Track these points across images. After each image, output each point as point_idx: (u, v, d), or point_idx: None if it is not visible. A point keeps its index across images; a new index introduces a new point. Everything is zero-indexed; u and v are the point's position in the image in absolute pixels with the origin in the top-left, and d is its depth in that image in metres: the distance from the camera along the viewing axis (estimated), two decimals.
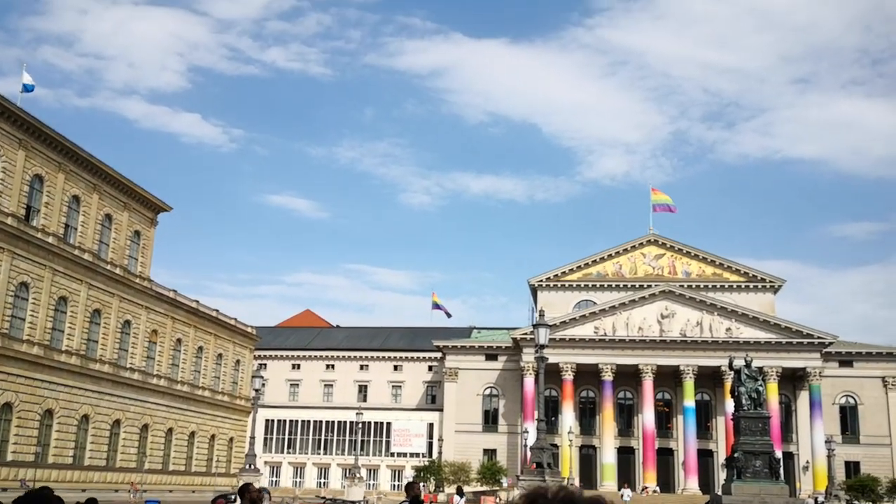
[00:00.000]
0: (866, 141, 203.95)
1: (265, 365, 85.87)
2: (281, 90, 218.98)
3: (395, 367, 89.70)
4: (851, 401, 74.78)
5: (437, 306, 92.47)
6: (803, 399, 72.88)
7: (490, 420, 78.61)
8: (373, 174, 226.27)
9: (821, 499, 58.59)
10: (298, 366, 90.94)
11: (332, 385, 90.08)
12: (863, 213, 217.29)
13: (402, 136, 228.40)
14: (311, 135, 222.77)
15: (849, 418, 74.72)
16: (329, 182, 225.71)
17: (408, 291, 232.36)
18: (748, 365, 51.55)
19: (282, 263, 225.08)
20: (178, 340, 68.11)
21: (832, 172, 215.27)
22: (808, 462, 70.90)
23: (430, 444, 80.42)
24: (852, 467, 71.70)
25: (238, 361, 78.43)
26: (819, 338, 70.66)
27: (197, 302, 71.07)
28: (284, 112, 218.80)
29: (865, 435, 73.64)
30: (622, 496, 53.96)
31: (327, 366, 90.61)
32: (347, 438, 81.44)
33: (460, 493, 32.23)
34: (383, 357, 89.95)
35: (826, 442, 62.35)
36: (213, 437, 72.73)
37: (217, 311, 74.41)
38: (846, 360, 74.64)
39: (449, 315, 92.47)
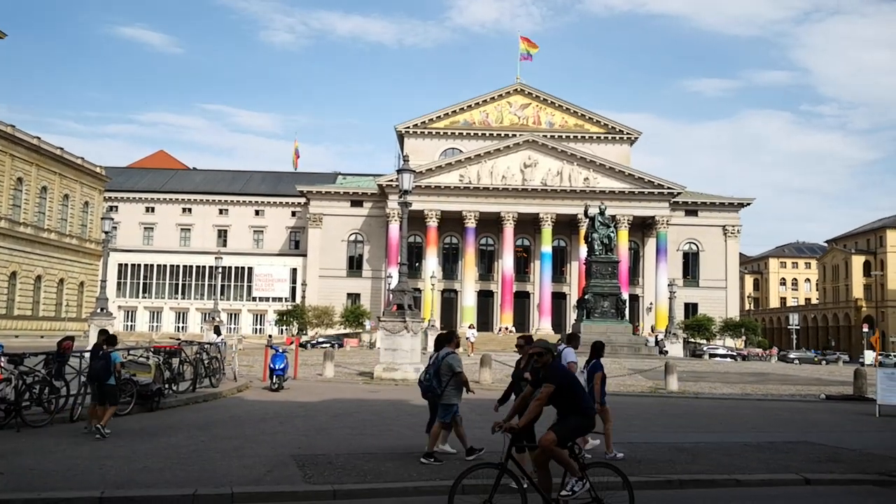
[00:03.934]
0: None
1: (116, 207, 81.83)
2: None
3: (257, 212, 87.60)
4: (694, 247, 79.79)
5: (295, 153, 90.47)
6: (651, 245, 77.02)
7: (354, 265, 78.98)
8: (231, 8, 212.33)
9: (661, 336, 63.12)
10: (153, 209, 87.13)
11: (189, 229, 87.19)
12: (715, 69, 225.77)
13: None
14: None
15: (690, 264, 79.94)
16: (183, 15, 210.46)
17: (270, 135, 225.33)
18: (602, 213, 53.61)
19: (133, 101, 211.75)
20: (19, 179, 63.18)
21: (691, 28, 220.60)
22: (651, 303, 75.89)
23: (294, 289, 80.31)
24: (691, 308, 77.46)
25: (87, 203, 74.02)
26: (668, 188, 73.95)
27: (39, 139, 65.62)
28: None
29: (704, 279, 79.24)
30: (468, 337, 55.01)
31: (184, 209, 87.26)
32: (207, 283, 79.97)
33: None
34: (244, 202, 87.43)
35: (669, 285, 66.60)
36: (61, 280, 69.41)
37: (62, 149, 69.16)
38: (692, 210, 78.94)
39: (295, 168, 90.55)
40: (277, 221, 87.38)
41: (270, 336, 64.06)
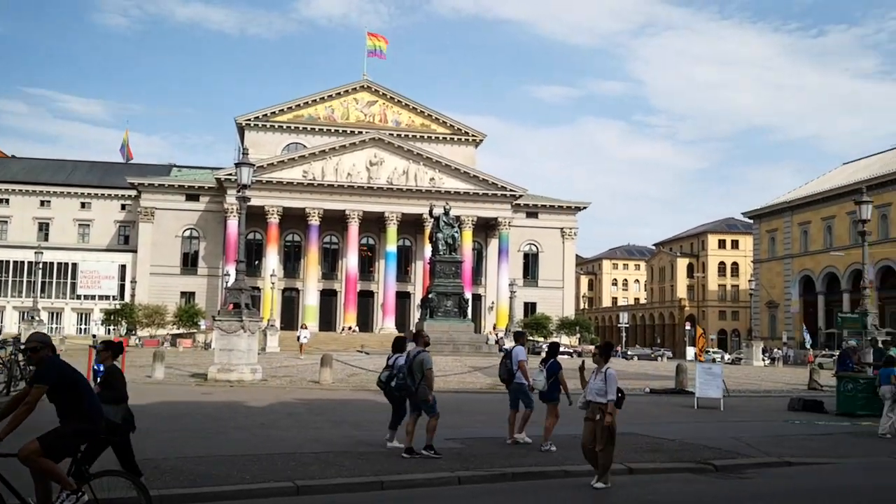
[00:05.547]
0: (565, 6, 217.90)
1: None
2: None
3: (83, 205, 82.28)
4: (534, 248, 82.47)
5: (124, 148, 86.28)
6: (493, 246, 78.85)
7: (189, 263, 75.80)
8: None
9: (501, 335, 64.74)
10: None
11: (6, 221, 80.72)
12: (557, 77, 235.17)
13: None
14: None
15: (531, 264, 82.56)
16: None
17: (100, 123, 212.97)
18: (447, 213, 54.24)
19: None
20: None
21: (535, 36, 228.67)
22: (493, 303, 77.73)
23: (123, 287, 76.06)
24: (531, 307, 79.93)
25: None
26: (511, 191, 76.06)
27: None
28: None
29: (543, 279, 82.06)
30: (299, 337, 53.46)
31: (1, 200, 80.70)
32: (26, 280, 74.39)
33: None
34: (69, 192, 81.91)
35: (510, 285, 68.47)
36: None
37: None
38: (532, 212, 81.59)
39: (126, 160, 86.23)
40: (105, 215, 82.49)
41: (95, 336, 60.38)
